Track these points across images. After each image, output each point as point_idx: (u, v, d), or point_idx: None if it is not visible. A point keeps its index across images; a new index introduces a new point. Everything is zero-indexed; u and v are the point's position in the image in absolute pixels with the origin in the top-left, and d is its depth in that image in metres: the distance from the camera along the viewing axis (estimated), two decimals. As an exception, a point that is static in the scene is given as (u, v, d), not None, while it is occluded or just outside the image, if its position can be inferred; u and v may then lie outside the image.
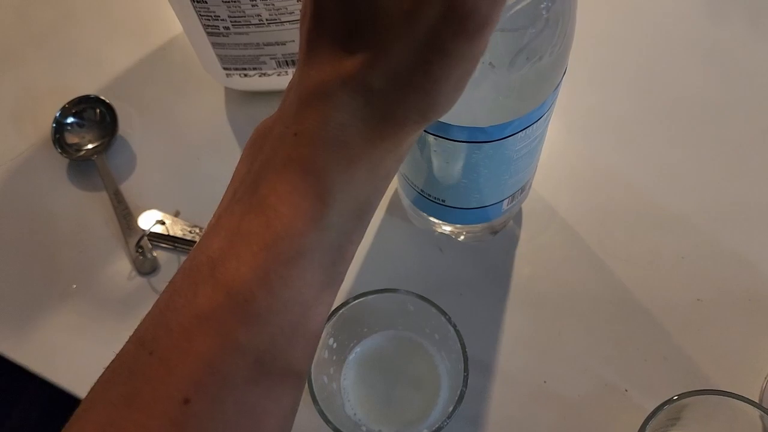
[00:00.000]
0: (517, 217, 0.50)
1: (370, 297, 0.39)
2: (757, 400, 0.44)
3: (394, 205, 0.51)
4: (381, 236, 0.50)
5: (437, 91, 0.23)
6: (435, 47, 0.22)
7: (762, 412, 0.37)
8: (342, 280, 0.27)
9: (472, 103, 0.32)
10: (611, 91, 0.55)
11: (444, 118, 0.34)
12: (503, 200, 0.43)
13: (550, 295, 0.48)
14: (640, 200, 0.50)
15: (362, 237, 0.27)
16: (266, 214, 0.24)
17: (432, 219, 0.47)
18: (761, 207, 0.50)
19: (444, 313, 0.38)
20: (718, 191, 0.51)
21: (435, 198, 0.42)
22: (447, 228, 0.48)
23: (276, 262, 0.24)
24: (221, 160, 0.54)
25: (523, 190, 0.44)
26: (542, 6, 0.29)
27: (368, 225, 0.27)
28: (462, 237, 0.49)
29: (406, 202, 0.48)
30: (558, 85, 0.35)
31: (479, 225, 0.47)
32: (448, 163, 0.37)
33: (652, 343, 0.46)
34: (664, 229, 0.49)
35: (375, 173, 0.25)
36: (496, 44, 0.29)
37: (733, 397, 0.37)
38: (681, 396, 0.37)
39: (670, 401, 0.37)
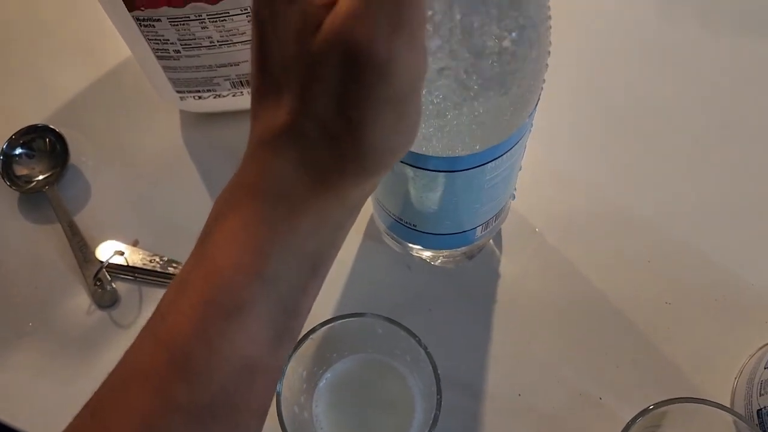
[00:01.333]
0: (484, 229, 0.50)
1: (337, 323, 0.38)
2: (729, 398, 0.44)
3: (370, 229, 0.50)
4: (355, 259, 0.49)
5: (364, 139, 0.22)
6: (345, 92, 0.21)
7: (735, 417, 0.37)
8: (297, 336, 0.26)
9: (437, 132, 0.31)
10: (570, 99, 0.55)
11: (415, 146, 0.33)
12: (476, 227, 0.42)
13: (518, 306, 0.47)
14: (604, 206, 0.50)
15: (318, 290, 0.26)
16: (206, 267, 0.24)
17: (407, 244, 0.46)
18: (722, 206, 0.50)
19: (414, 336, 0.37)
20: (680, 195, 0.51)
21: (406, 222, 0.42)
22: (423, 252, 0.48)
23: (215, 316, 0.23)
24: (179, 184, 0.53)
25: (498, 217, 0.44)
26: (508, 38, 0.28)
27: (324, 277, 0.26)
28: (439, 261, 0.48)
29: (381, 225, 0.47)
30: (530, 116, 0.34)
31: (451, 251, 0.46)
32: (414, 189, 0.37)
33: (624, 348, 0.46)
34: (629, 233, 0.49)
35: (322, 224, 0.24)
36: (462, 77, 0.29)
37: (707, 404, 0.37)
38: (656, 405, 0.37)
39: (644, 412, 0.37)
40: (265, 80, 0.24)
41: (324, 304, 0.47)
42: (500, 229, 0.49)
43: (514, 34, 0.27)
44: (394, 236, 0.46)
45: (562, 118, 0.53)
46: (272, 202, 0.23)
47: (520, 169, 0.42)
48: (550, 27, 0.31)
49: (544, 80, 0.33)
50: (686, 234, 0.49)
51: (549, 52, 0.32)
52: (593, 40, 0.57)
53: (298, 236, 0.24)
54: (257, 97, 0.24)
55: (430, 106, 0.30)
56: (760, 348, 0.45)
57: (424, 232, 0.42)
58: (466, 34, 0.27)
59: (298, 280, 0.24)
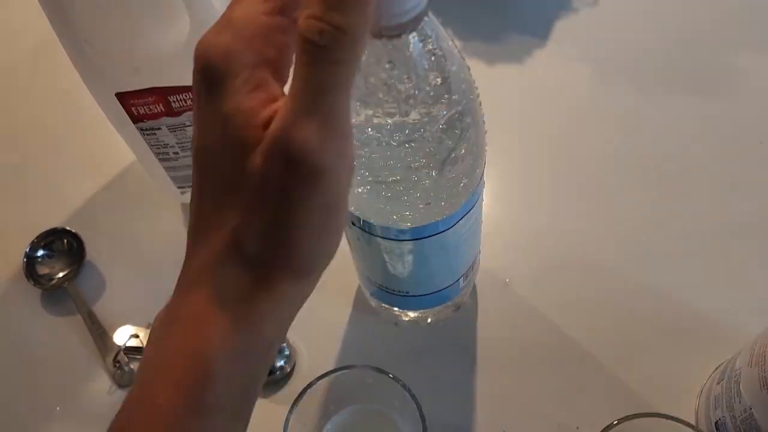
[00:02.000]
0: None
1: (331, 376, 0.43)
2: (694, 417, 0.49)
3: (358, 298, 0.55)
4: (347, 324, 0.54)
5: (300, 243, 0.24)
6: (283, 203, 0.23)
7: (692, 429, 0.41)
8: None
9: (399, 208, 0.37)
10: (530, 160, 0.62)
11: (383, 221, 0.38)
12: (458, 279, 0.48)
13: (497, 351, 0.52)
14: (564, 254, 0.56)
15: (251, 413, 0.26)
16: (146, 405, 0.25)
17: (396, 309, 0.51)
18: (672, 244, 0.56)
19: (398, 380, 0.42)
20: (630, 237, 0.57)
21: (397, 291, 0.47)
22: (412, 314, 0.53)
23: None
24: (184, 270, 0.58)
25: (473, 266, 0.49)
26: (453, 126, 0.34)
27: (255, 401, 0.27)
28: (429, 320, 0.53)
29: (372, 301, 0.52)
30: (481, 176, 0.40)
31: (441, 306, 0.51)
32: (391, 257, 0.42)
33: (596, 381, 0.50)
34: (589, 276, 0.55)
35: (255, 344, 0.25)
36: (421, 158, 0.34)
37: (667, 418, 0.41)
38: (620, 421, 0.41)
39: (609, 427, 0.41)
40: (206, 205, 0.25)
41: (319, 367, 0.52)
42: (475, 285, 0.55)
43: (443, 124, 0.34)
44: (382, 303, 0.51)
45: (518, 177, 0.60)
46: (206, 330, 0.24)
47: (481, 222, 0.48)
48: (480, 104, 0.37)
49: (486, 145, 0.39)
50: (641, 272, 0.55)
51: (485, 131, 0.38)
52: (545, 103, 0.65)
53: (232, 365, 0.25)
54: (198, 225, 0.26)
55: (389, 187, 0.36)
56: (716, 368, 0.50)
57: (413, 296, 0.47)
58: (408, 129, 0.33)
59: (232, 407, 0.25)
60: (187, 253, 0.26)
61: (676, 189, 0.59)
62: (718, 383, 0.46)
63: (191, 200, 0.26)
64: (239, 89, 0.23)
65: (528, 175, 0.61)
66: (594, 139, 0.62)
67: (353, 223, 0.40)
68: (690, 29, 0.68)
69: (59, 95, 0.69)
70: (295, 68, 0.22)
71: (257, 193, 0.23)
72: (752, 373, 0.41)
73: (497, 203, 0.59)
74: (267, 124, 0.23)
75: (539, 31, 0.68)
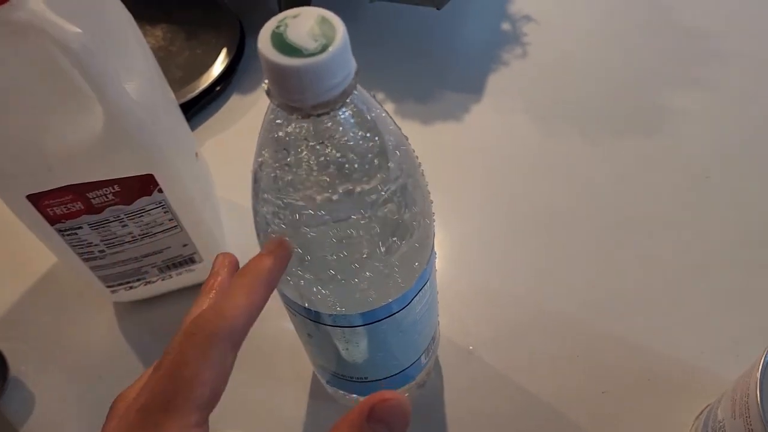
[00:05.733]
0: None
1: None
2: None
3: (316, 388, 0.51)
4: (305, 421, 0.50)
5: None
6: None
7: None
8: None
9: (363, 293, 0.34)
10: (479, 218, 0.60)
11: (331, 309, 0.35)
12: (419, 357, 0.44)
13: (466, 423, 0.49)
14: (526, 312, 0.54)
15: None
16: None
17: (355, 396, 0.48)
18: (634, 292, 0.54)
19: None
20: (591, 288, 0.55)
21: (354, 377, 0.43)
22: None
23: None
24: (122, 374, 0.52)
25: (434, 339, 0.46)
26: (397, 202, 0.31)
27: None
28: None
29: (329, 388, 0.49)
30: (432, 247, 0.38)
31: (405, 387, 0.48)
32: (354, 344, 0.39)
33: (574, 445, 0.48)
34: (555, 333, 0.52)
35: None
36: (370, 240, 0.32)
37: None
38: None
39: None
40: None
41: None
42: (438, 357, 0.52)
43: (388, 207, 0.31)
44: (339, 390, 0.47)
45: (468, 237, 0.58)
46: None
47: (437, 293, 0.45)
48: (423, 173, 0.35)
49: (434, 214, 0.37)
50: (607, 324, 0.52)
51: (431, 201, 0.36)
52: (486, 159, 0.63)
53: None
54: None
55: (334, 271, 0.33)
56: (697, 417, 0.47)
57: (374, 381, 0.44)
58: (346, 209, 0.30)
59: None
60: None
61: (629, 233, 0.58)
62: (702, 436, 0.44)
63: None
64: None
65: (479, 234, 0.59)
66: (540, 189, 0.61)
67: (298, 312, 0.37)
68: (622, 72, 0.68)
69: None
70: None
71: None
72: (737, 425, 0.39)
73: (451, 268, 0.56)
74: None
75: (473, 86, 0.67)
